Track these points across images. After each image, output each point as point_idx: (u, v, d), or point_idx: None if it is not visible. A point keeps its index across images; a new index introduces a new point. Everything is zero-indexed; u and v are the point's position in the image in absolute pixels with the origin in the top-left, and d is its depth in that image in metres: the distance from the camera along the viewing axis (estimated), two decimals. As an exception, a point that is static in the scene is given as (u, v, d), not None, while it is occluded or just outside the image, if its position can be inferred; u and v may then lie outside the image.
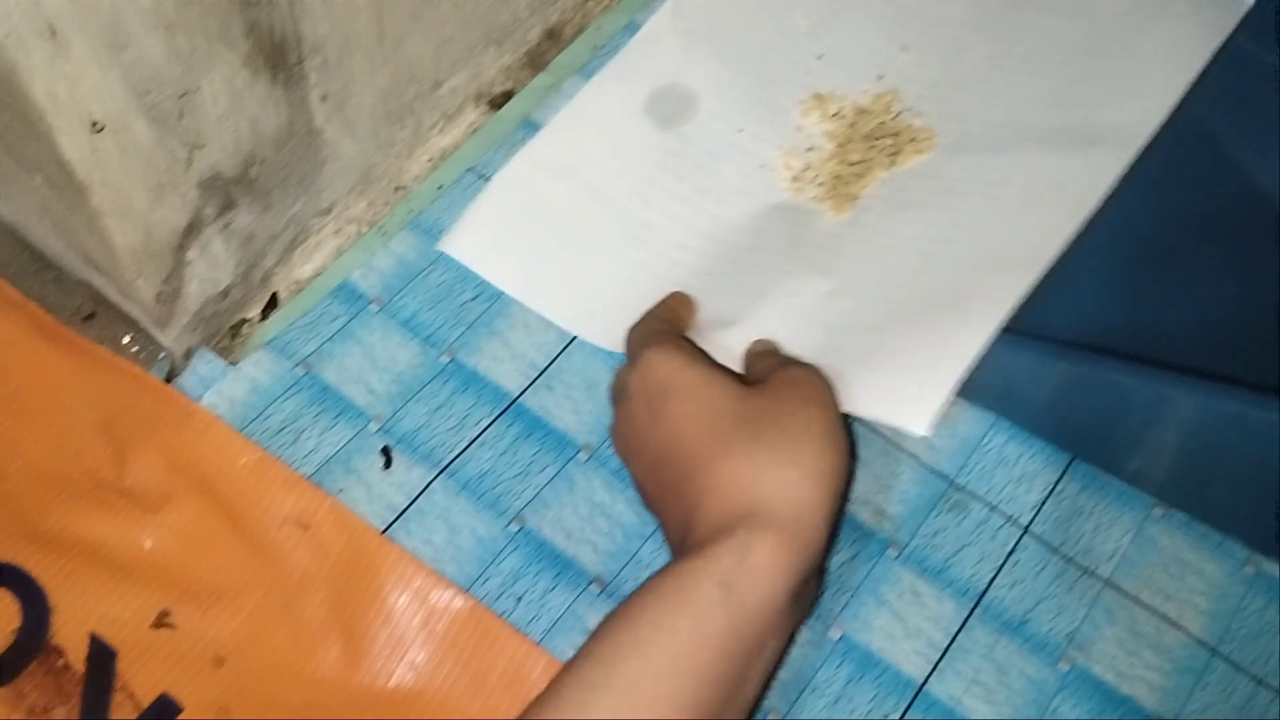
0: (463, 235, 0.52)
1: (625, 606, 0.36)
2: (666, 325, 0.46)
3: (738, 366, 0.46)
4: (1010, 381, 0.47)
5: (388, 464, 0.47)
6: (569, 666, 0.36)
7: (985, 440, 0.49)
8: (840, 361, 0.45)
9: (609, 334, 0.49)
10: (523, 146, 0.54)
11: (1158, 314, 0.51)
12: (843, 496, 0.40)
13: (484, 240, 0.52)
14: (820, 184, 0.53)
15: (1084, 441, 0.48)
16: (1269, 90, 0.55)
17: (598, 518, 0.46)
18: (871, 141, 0.54)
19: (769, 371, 0.43)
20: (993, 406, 0.49)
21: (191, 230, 0.45)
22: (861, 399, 0.44)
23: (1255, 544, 0.47)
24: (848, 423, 0.42)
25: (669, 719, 0.34)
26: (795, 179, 0.53)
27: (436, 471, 0.47)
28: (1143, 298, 0.52)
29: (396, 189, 0.53)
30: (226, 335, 0.49)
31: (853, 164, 0.53)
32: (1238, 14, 0.53)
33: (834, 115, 0.55)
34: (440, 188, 0.53)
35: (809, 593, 0.41)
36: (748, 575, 0.35)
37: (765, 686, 0.40)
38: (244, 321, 0.50)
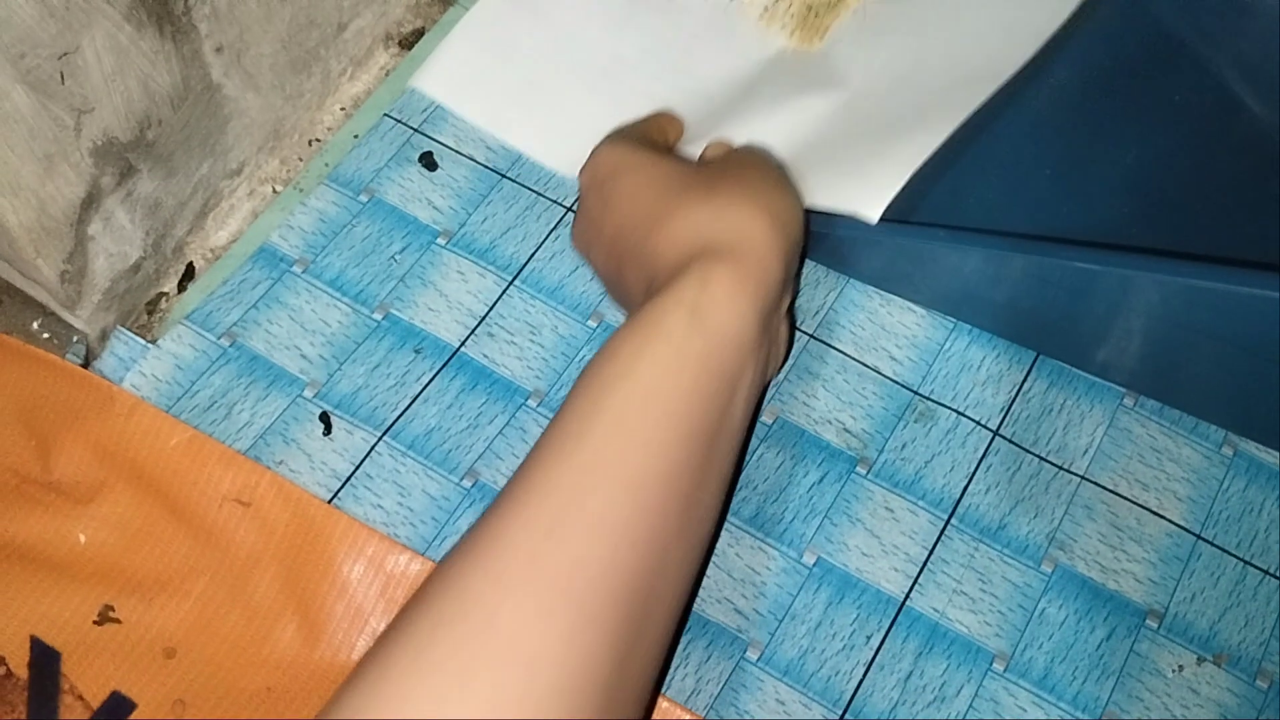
0: (436, 71, 0.51)
1: (596, 358, 0.36)
2: (638, 134, 0.47)
3: None
4: (966, 283, 0.46)
5: (327, 430, 0.44)
6: (547, 430, 0.36)
7: (946, 346, 0.47)
8: (803, 165, 0.45)
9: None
10: None
11: (1106, 200, 0.49)
12: (798, 248, 0.40)
13: (458, 75, 0.51)
14: (791, 15, 0.52)
15: (1048, 336, 0.46)
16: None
17: (554, 464, 0.44)
18: None
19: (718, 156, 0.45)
20: (951, 311, 0.47)
21: (90, 202, 0.42)
22: (817, 191, 0.44)
23: (1231, 424, 0.46)
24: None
25: (661, 440, 0.34)
26: (765, 11, 0.52)
27: (380, 433, 0.44)
28: (1088, 185, 0.50)
29: (310, 142, 0.51)
30: (143, 312, 0.46)
31: None
32: None
33: None
34: (356, 136, 0.50)
35: (778, 333, 0.42)
36: (711, 301, 0.36)
37: (749, 430, 0.42)
38: (161, 296, 0.47)
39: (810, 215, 0.44)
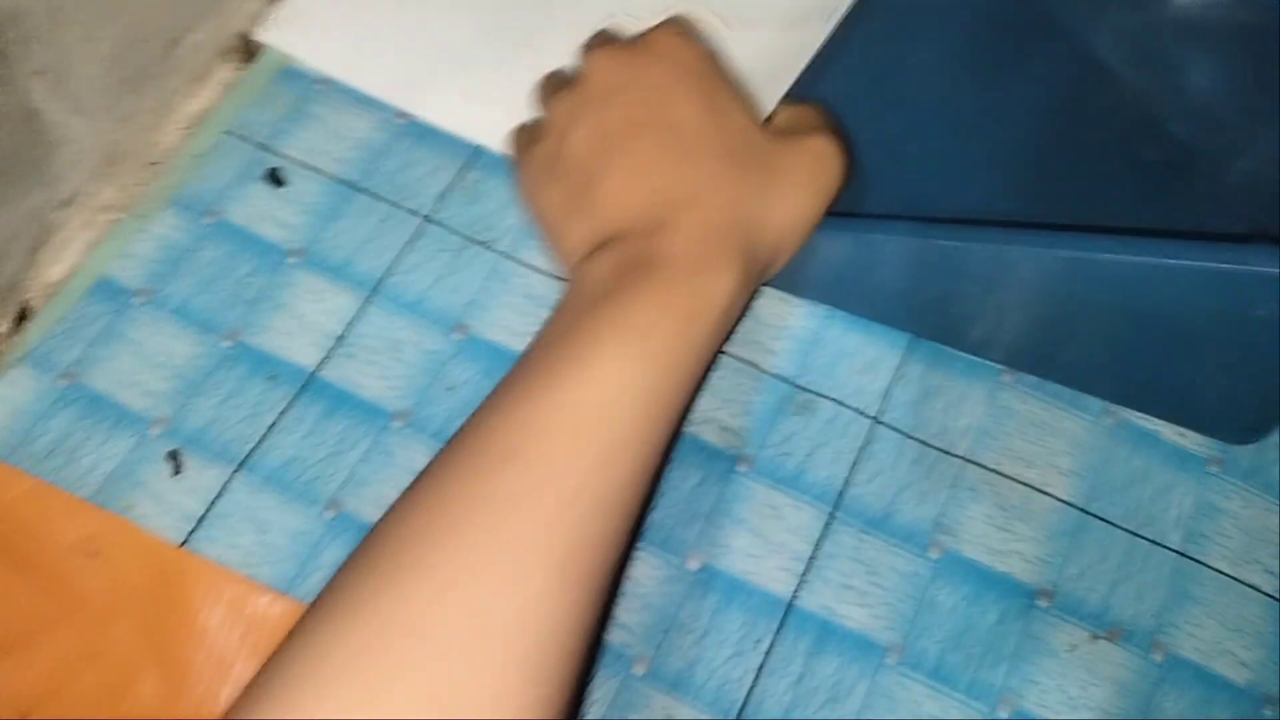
0: (285, 22, 0.49)
1: (550, 335, 0.36)
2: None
3: None
4: (837, 269, 0.45)
5: (177, 469, 0.42)
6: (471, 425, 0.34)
7: (821, 335, 0.46)
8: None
9: (449, 111, 0.48)
10: None
11: (975, 176, 0.48)
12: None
13: (308, 23, 0.49)
14: None
15: (922, 318, 0.45)
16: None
17: (423, 487, 0.42)
18: None
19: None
20: (823, 298, 0.46)
21: (-100, 246, 0.39)
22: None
23: (1111, 394, 0.45)
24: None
25: (616, 482, 0.32)
26: None
27: (234, 468, 0.42)
28: (955, 163, 0.49)
29: (149, 165, 0.48)
30: (-26, 358, 0.44)
31: None
32: None
33: None
34: (198, 156, 0.48)
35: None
36: (710, 306, 0.35)
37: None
38: (-7, 339, 0.44)
39: None
